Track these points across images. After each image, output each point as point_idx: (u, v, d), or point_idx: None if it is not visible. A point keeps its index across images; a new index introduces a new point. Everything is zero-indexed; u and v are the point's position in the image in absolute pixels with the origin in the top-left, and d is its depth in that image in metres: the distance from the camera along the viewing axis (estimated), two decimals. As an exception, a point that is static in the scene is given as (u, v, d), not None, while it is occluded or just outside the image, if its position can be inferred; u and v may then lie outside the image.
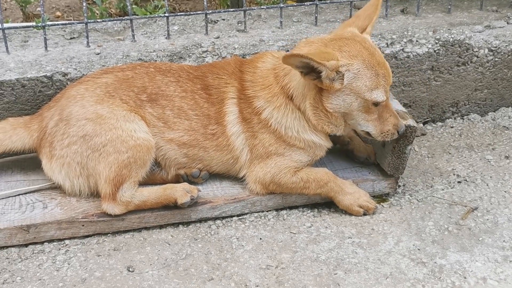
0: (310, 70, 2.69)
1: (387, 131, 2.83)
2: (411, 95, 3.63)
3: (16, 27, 3.52)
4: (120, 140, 2.76)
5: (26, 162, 3.10)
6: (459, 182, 3.22)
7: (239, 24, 3.70)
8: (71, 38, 3.51)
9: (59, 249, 2.75)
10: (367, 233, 2.85)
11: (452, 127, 3.71)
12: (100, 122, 2.78)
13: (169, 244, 2.78)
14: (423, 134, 3.64)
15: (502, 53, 3.66)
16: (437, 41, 3.54)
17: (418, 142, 3.56)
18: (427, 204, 3.05)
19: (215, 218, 2.94)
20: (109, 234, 2.84)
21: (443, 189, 3.16)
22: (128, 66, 3.01)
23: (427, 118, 3.75)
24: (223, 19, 3.78)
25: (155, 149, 2.87)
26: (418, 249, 2.74)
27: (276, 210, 3.00)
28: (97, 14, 4.46)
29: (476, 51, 3.62)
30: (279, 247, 2.77)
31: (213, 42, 3.43)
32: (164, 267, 2.65)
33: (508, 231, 2.84)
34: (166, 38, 3.50)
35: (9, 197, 2.89)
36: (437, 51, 3.55)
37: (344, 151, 3.23)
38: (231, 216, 2.95)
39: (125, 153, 2.76)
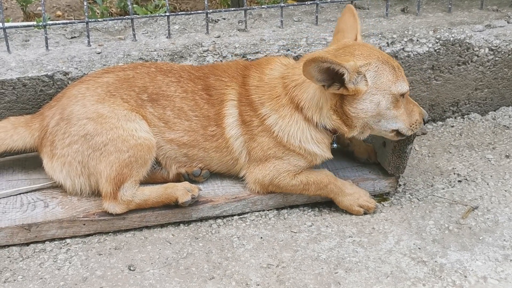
0: (331, 81, 2.65)
1: (415, 122, 2.82)
2: (411, 94, 3.63)
3: (17, 27, 3.53)
4: (121, 140, 2.76)
5: (27, 161, 3.10)
6: (459, 181, 3.22)
7: (240, 24, 3.70)
8: (72, 38, 3.51)
9: (60, 248, 2.76)
10: (367, 232, 2.86)
11: (452, 126, 3.71)
12: (101, 121, 2.78)
13: (170, 243, 2.79)
14: (423, 133, 3.64)
15: (502, 53, 3.66)
16: (437, 41, 3.55)
17: (419, 141, 3.56)
18: (428, 203, 3.05)
19: (216, 217, 2.94)
20: (110, 233, 2.84)
21: (443, 188, 3.16)
22: (129, 66, 3.01)
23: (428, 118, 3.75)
24: (224, 19, 3.79)
25: (156, 148, 2.88)
26: (419, 248, 2.75)
27: (277, 209, 3.01)
28: (98, 13, 4.47)
29: (477, 51, 3.62)
30: (280, 246, 2.77)
31: (214, 41, 3.44)
32: (165, 266, 2.66)
33: (508, 230, 2.85)
34: (167, 37, 3.50)
35: (10, 196, 2.90)
36: (437, 51, 3.55)
37: (345, 152, 3.22)
38: (232, 215, 2.96)
39: (126, 152, 2.77)
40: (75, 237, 2.81)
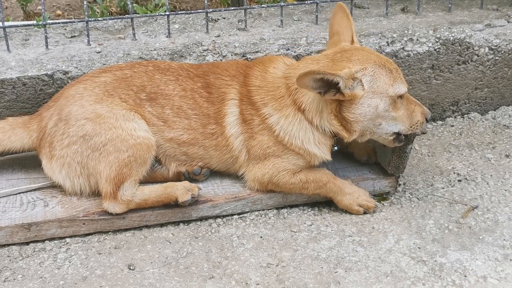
0: (327, 88, 2.66)
1: (416, 122, 2.82)
2: (411, 93, 3.62)
3: (17, 26, 3.53)
4: (120, 139, 2.76)
5: (27, 160, 3.10)
6: (459, 180, 3.22)
7: (240, 23, 3.70)
8: (72, 37, 3.51)
9: (60, 247, 2.76)
10: (367, 231, 2.86)
11: (452, 126, 3.71)
12: (99, 121, 2.78)
13: (169, 243, 2.79)
14: (423, 133, 3.61)
15: (502, 52, 3.66)
16: (437, 40, 3.54)
17: (419, 141, 3.56)
18: (428, 203, 3.05)
19: (215, 217, 2.94)
20: (110, 233, 2.84)
21: (443, 188, 3.16)
22: (127, 65, 3.01)
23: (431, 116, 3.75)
24: (224, 18, 3.79)
25: (155, 147, 2.87)
26: (419, 248, 2.75)
27: (277, 208, 3.01)
28: (98, 12, 4.46)
29: (477, 50, 3.62)
30: (279, 245, 2.77)
31: (213, 40, 3.43)
32: (164, 265, 2.66)
33: (508, 229, 2.85)
34: (166, 36, 3.50)
35: (10, 195, 2.90)
36: (437, 50, 3.55)
37: (345, 152, 3.22)
38: (232, 215, 2.96)
39: (125, 152, 2.77)
40: (75, 236, 2.81)
